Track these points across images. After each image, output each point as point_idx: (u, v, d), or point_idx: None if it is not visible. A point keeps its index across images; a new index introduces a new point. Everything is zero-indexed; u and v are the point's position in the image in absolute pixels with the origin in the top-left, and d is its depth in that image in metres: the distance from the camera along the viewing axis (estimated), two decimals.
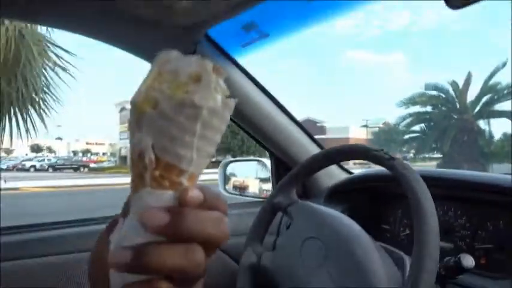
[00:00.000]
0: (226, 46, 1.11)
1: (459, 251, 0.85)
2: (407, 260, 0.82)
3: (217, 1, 0.88)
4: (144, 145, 0.29)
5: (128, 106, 0.32)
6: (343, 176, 1.41)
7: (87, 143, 57.39)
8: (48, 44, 4.66)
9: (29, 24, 4.33)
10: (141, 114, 0.29)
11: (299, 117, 1.40)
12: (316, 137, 1.44)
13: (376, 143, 25.22)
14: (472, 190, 1.04)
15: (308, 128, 1.43)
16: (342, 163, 1.42)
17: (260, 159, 1.66)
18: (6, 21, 4.00)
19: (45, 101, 4.81)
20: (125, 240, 0.30)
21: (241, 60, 1.17)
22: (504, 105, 22.94)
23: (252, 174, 1.67)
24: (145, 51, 1.09)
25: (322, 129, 32.62)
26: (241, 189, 1.68)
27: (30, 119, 4.80)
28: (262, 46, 1.15)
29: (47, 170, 33.14)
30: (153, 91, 0.29)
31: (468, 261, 0.79)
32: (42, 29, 4.59)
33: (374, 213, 1.24)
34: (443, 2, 0.74)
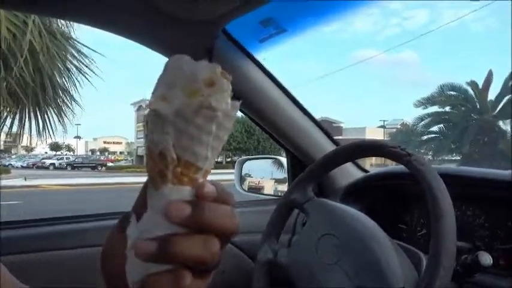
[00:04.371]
0: (244, 41, 1.11)
1: (477, 251, 0.84)
2: (424, 258, 0.82)
3: None
4: (166, 145, 0.32)
5: (144, 105, 0.34)
6: (359, 174, 1.40)
7: (104, 142, 58.17)
8: (72, 42, 4.74)
9: (54, 22, 4.40)
10: (162, 117, 0.31)
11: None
12: None
13: None
14: (491, 188, 1.02)
15: None
16: (358, 162, 1.41)
17: (276, 157, 1.66)
18: (32, 18, 4.07)
19: (66, 100, 4.90)
20: (147, 233, 0.32)
21: (259, 56, 1.17)
22: None
23: (267, 175, 1.68)
24: (163, 46, 1.10)
25: (338, 130, 32.33)
26: (257, 190, 1.69)
27: (50, 118, 4.89)
28: (280, 41, 1.15)
29: (65, 168, 33.71)
30: (172, 96, 0.32)
31: (486, 259, 0.78)
32: (65, 27, 4.67)
33: (390, 212, 1.23)
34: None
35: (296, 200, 1.01)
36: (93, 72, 4.79)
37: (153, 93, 0.32)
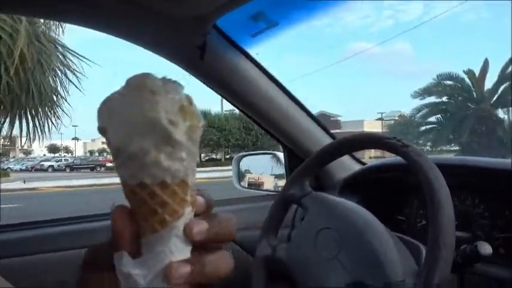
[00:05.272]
0: (236, 36, 1.10)
1: (477, 240, 0.84)
2: (424, 250, 0.81)
3: None
4: (185, 170, 0.31)
5: None
6: (356, 167, 1.39)
7: (103, 143, 58.04)
8: (59, 46, 4.73)
9: (42, 27, 4.39)
10: (178, 144, 0.30)
11: (312, 112, 1.38)
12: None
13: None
14: (490, 177, 1.02)
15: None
16: (355, 154, 1.40)
17: (273, 152, 1.65)
18: (23, 24, 4.05)
19: (58, 102, 4.89)
20: (166, 258, 0.30)
21: (252, 50, 1.16)
22: None
23: (267, 171, 1.67)
24: (156, 44, 1.09)
25: (336, 123, 32.34)
26: (257, 186, 1.68)
27: (41, 121, 4.88)
28: (272, 35, 1.14)
29: (64, 170, 33.64)
30: (174, 119, 0.30)
31: (485, 248, 0.77)
32: (53, 31, 4.66)
33: (389, 204, 1.22)
34: None
35: (293, 194, 1.00)
36: (80, 75, 4.78)
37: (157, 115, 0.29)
